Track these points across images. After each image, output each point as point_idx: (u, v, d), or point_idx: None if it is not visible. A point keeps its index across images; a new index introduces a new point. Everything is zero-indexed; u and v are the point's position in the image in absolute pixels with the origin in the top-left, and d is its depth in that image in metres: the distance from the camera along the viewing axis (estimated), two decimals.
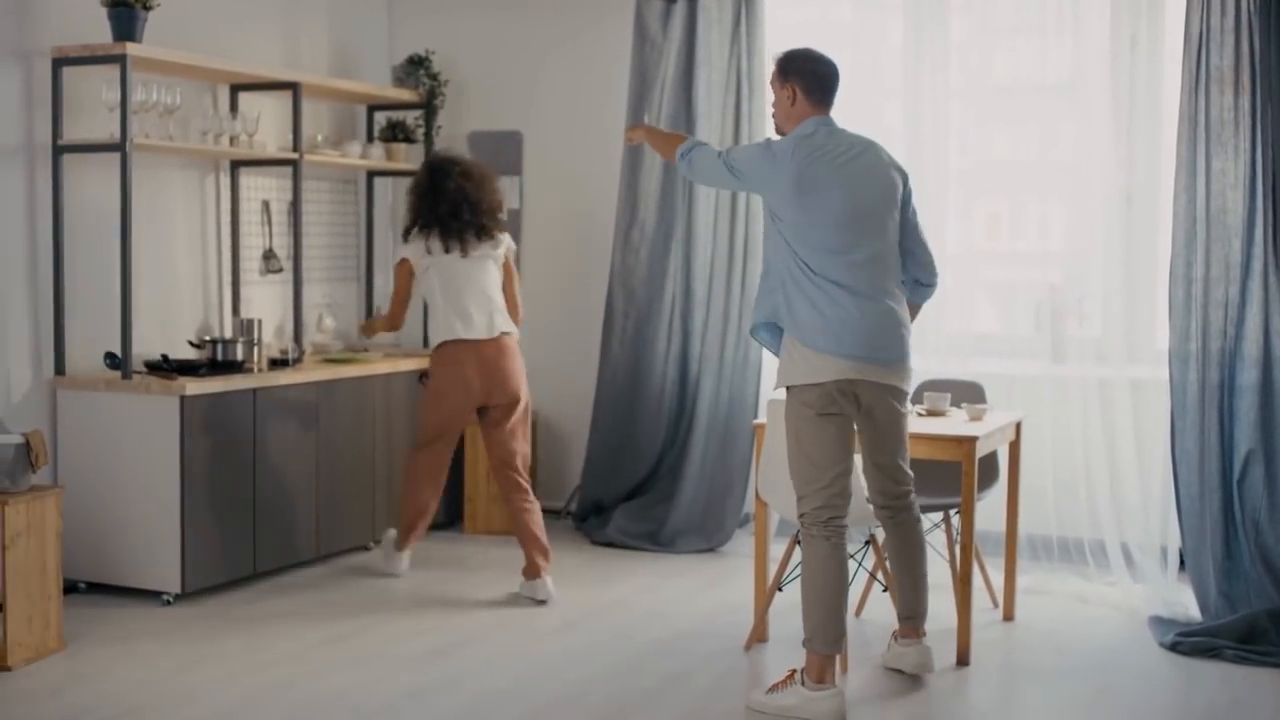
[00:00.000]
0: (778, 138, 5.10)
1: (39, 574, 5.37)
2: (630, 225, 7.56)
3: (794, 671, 4.99)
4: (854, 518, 5.35)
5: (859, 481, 5.23)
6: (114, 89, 6.05)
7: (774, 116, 5.15)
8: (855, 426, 5.06)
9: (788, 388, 4.99)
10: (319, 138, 7.45)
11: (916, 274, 5.23)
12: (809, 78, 5.05)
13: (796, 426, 4.96)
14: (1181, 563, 6.36)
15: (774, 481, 5.47)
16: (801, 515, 4.99)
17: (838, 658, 5.00)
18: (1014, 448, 6.07)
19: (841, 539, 4.95)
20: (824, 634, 4.92)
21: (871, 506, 5.30)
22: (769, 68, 7.17)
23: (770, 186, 4.97)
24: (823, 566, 4.93)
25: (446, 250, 6.33)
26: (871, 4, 7.30)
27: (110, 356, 6.21)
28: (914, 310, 5.28)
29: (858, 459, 5.19)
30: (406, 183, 8.09)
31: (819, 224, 4.89)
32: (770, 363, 7.30)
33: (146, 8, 6.12)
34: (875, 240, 4.97)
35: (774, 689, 4.97)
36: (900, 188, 5.09)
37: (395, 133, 7.91)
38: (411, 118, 8.00)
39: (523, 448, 6.44)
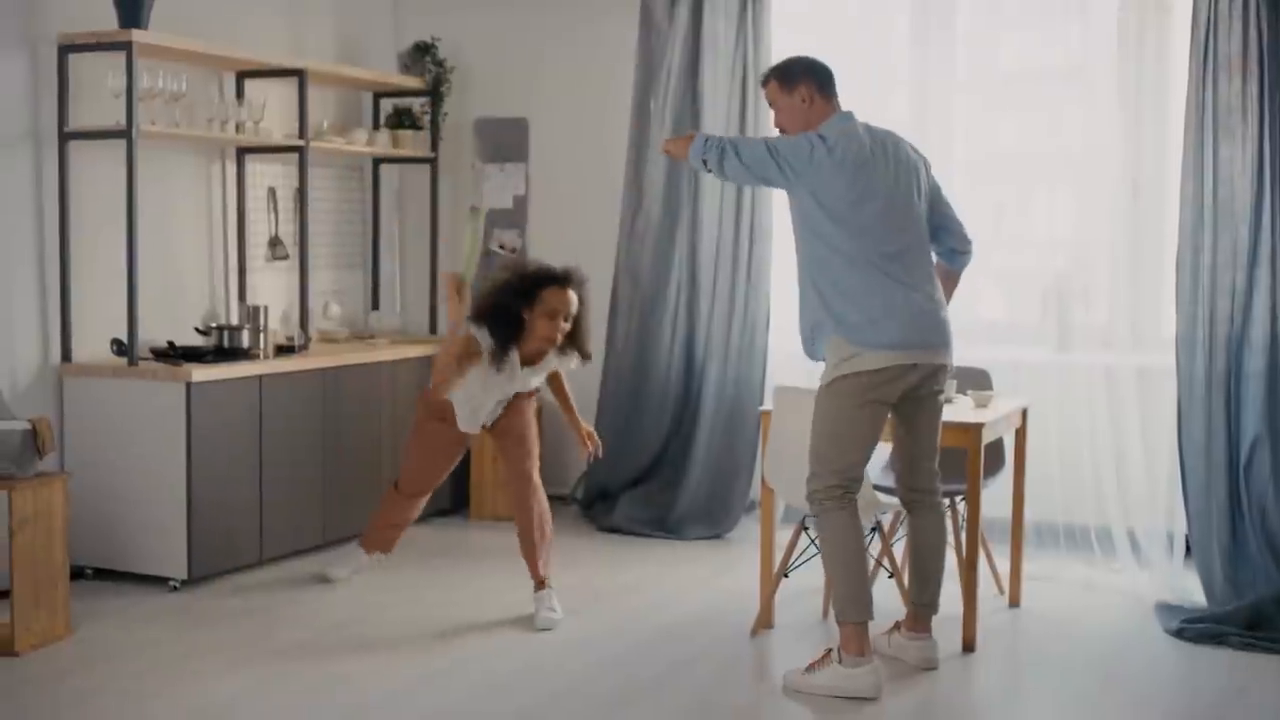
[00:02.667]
0: (812, 134, 5.05)
1: (46, 560, 5.38)
2: (636, 212, 7.56)
3: (830, 650, 5.00)
4: (861, 505, 5.37)
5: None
6: (120, 76, 6.05)
7: (783, 125, 5.17)
8: (893, 416, 5.19)
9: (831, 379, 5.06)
10: (325, 124, 7.44)
11: (952, 244, 5.37)
12: (817, 74, 5.14)
13: (832, 412, 5.01)
14: (1188, 549, 6.36)
15: (780, 468, 5.47)
16: (813, 493, 5.04)
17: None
18: (1020, 434, 6.06)
19: (856, 508, 5.03)
20: (856, 602, 4.97)
21: (899, 491, 5.37)
22: (775, 57, 7.23)
23: (824, 180, 4.96)
24: (844, 536, 4.99)
25: None
26: None
27: (116, 343, 6.22)
28: (955, 279, 5.44)
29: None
30: (412, 169, 8.16)
31: (866, 215, 4.98)
32: (775, 349, 7.33)
33: None
34: (911, 228, 5.10)
35: (811, 668, 5.00)
36: (925, 175, 5.21)
37: (401, 119, 7.90)
38: (418, 104, 7.99)
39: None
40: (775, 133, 7.08)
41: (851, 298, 4.98)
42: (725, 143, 5.10)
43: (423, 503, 6.32)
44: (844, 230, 4.97)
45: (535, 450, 6.02)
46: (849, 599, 4.97)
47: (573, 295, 5.77)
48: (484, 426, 5.97)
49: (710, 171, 5.15)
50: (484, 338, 5.72)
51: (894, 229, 5.02)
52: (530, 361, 5.82)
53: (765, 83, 5.22)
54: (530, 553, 5.88)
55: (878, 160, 5.02)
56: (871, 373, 4.96)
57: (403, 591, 6.21)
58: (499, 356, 5.71)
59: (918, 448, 5.24)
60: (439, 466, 6.18)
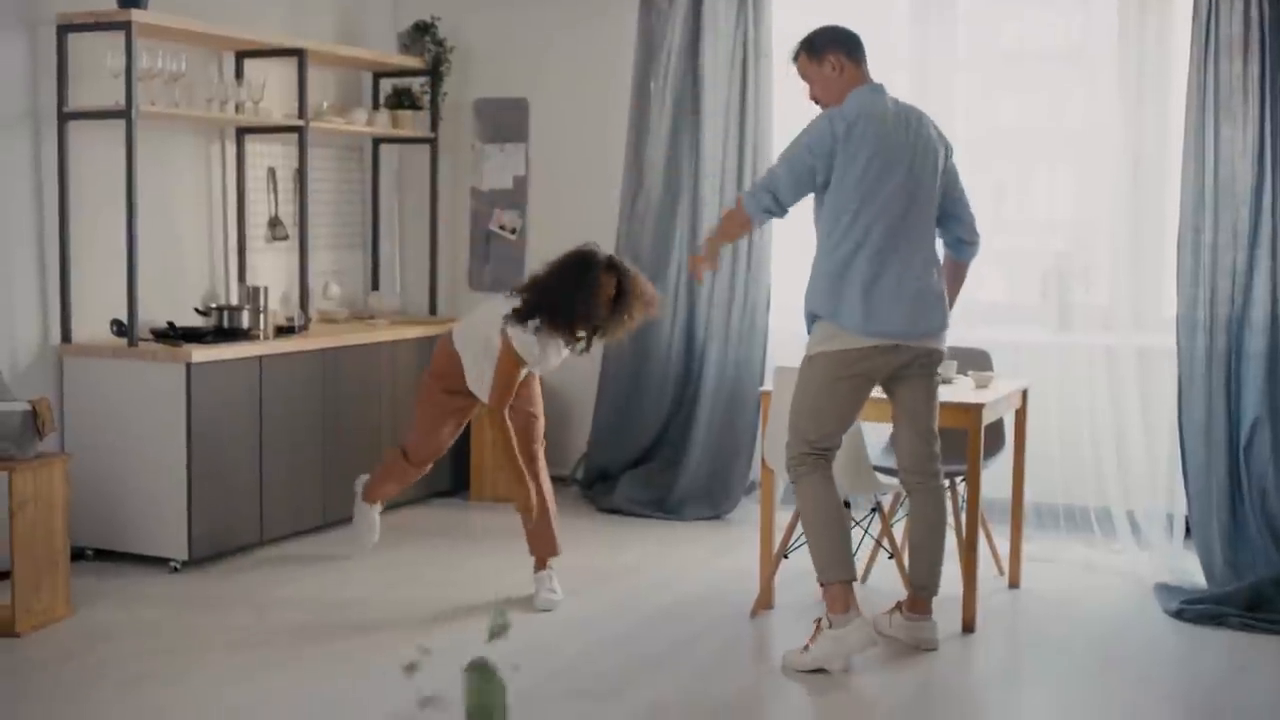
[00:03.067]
0: (833, 110, 5.00)
1: (46, 541, 5.38)
2: (636, 193, 7.55)
3: (819, 622, 5.02)
4: (858, 485, 5.38)
5: (854, 442, 5.25)
6: (119, 56, 6.04)
7: (820, 98, 5.11)
8: (889, 398, 5.20)
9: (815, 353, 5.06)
10: (324, 105, 7.43)
11: (960, 233, 5.33)
12: (844, 42, 5.09)
13: (812, 385, 5.02)
14: (1187, 530, 6.37)
15: (780, 449, 5.47)
16: (789, 460, 5.08)
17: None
18: (1020, 415, 6.07)
19: (830, 468, 5.04)
20: (837, 561, 4.99)
21: (899, 473, 5.36)
22: (776, 37, 7.22)
23: (850, 153, 4.93)
24: (820, 495, 5.02)
25: None
26: None
27: (116, 324, 6.22)
28: (963, 272, 5.41)
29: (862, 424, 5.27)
30: (412, 149, 8.15)
31: (886, 189, 4.96)
32: (776, 329, 7.33)
33: None
34: (924, 208, 5.08)
35: (807, 647, 5.01)
36: (943, 159, 5.16)
37: (401, 100, 7.89)
38: (417, 84, 7.98)
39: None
40: (775, 114, 7.08)
41: (852, 286, 4.96)
42: (764, 181, 5.07)
43: (427, 469, 6.28)
44: (865, 209, 4.95)
45: (542, 430, 5.99)
46: (829, 559, 4.99)
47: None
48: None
49: (772, 212, 5.06)
50: (523, 343, 5.63)
51: (908, 204, 5.00)
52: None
53: (795, 58, 5.16)
54: (540, 533, 5.84)
55: (898, 134, 4.99)
56: (856, 350, 4.96)
57: (403, 571, 6.22)
58: (579, 336, 5.68)
59: (913, 430, 5.22)
60: (447, 434, 6.11)
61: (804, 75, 5.15)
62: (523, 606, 5.70)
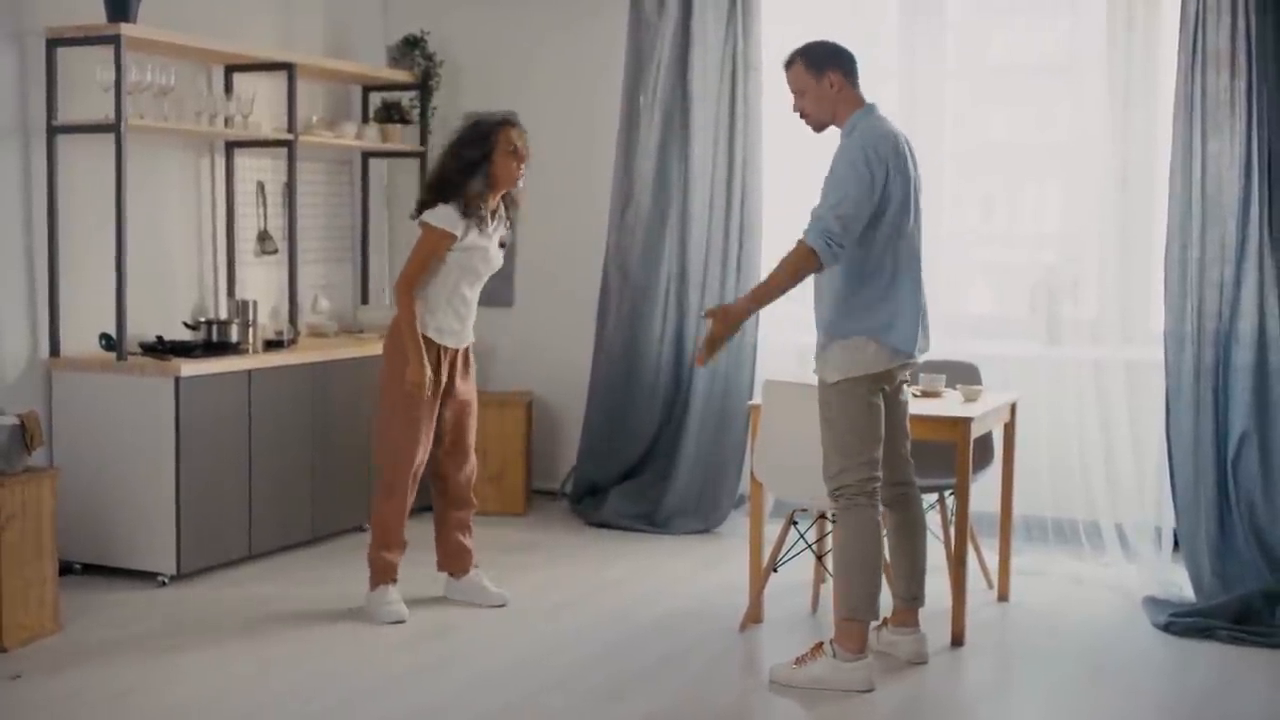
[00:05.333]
0: (862, 140, 4.89)
1: (34, 555, 5.37)
2: (625, 206, 7.55)
3: (821, 644, 5.01)
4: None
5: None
6: (109, 70, 6.04)
7: (809, 111, 5.03)
8: None
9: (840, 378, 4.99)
10: (314, 119, 7.43)
11: None
12: (844, 60, 5.04)
13: (846, 408, 4.95)
14: (1175, 543, 6.37)
15: (769, 463, 5.47)
16: (843, 488, 4.97)
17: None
18: (1009, 429, 6.07)
19: (878, 505, 5.00)
20: (872, 602, 4.97)
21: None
22: (765, 50, 7.23)
23: (889, 183, 4.88)
24: (871, 534, 4.97)
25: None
26: None
27: (105, 338, 6.21)
28: None
29: None
30: (401, 163, 8.14)
31: (911, 212, 4.96)
32: (765, 342, 7.32)
33: None
34: (918, 229, 5.06)
35: (800, 661, 5.00)
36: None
37: (390, 114, 7.89)
38: (407, 99, 7.98)
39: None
40: (765, 127, 7.06)
41: (904, 304, 4.95)
42: (822, 219, 4.80)
43: (410, 500, 5.81)
44: (898, 231, 4.93)
45: (473, 475, 6.02)
46: (866, 598, 4.96)
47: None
48: (438, 392, 5.67)
49: (844, 246, 4.80)
50: (445, 217, 5.63)
51: (914, 227, 5.00)
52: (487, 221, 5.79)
53: (789, 65, 5.05)
54: (468, 537, 5.98)
55: (904, 157, 4.98)
56: (886, 369, 4.96)
57: None
58: (478, 206, 5.69)
59: (896, 440, 5.22)
60: (424, 434, 5.70)
61: (797, 86, 5.04)
62: (511, 620, 5.69)
